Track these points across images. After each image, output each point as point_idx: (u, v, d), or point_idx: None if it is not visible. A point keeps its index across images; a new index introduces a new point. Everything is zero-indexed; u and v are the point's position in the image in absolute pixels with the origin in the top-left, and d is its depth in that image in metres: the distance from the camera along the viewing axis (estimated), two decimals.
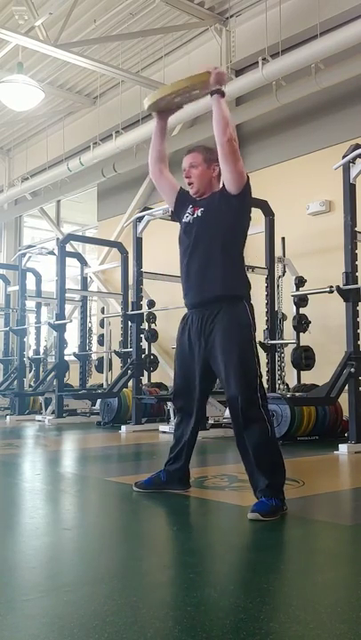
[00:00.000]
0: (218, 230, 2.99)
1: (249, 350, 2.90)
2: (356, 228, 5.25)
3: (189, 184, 3.10)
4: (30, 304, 10.72)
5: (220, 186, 3.07)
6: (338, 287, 5.17)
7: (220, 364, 2.90)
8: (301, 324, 7.07)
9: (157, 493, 3.15)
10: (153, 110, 3.16)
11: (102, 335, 9.26)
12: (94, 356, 10.26)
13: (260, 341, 5.89)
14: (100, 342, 9.39)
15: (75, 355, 9.73)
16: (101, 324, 9.41)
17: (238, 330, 2.90)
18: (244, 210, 3.04)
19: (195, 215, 3.07)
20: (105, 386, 8.82)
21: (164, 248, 9.37)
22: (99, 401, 8.25)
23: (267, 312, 6.76)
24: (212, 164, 3.07)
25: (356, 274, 5.18)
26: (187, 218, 3.11)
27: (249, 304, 2.99)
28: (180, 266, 3.15)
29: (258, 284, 7.11)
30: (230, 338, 2.89)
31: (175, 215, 3.23)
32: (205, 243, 3.00)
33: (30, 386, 9.96)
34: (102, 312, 9.91)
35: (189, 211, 3.11)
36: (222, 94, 2.93)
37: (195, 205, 3.10)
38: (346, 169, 5.22)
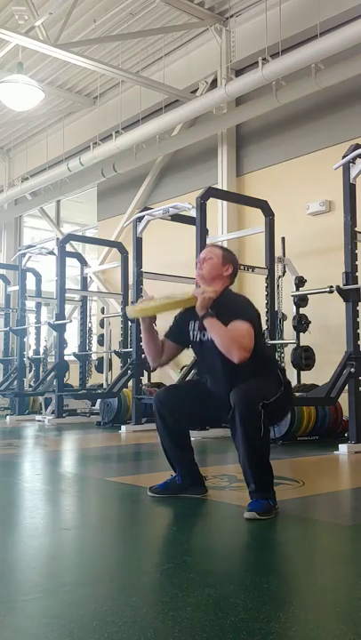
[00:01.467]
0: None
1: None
2: (356, 228, 5.25)
3: (199, 269, 3.06)
4: (30, 304, 10.73)
5: (228, 283, 3.06)
6: (338, 287, 5.17)
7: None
8: (301, 323, 7.07)
9: (157, 494, 3.14)
10: (133, 318, 3.17)
11: (102, 335, 9.26)
12: (94, 356, 10.26)
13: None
14: (100, 342, 9.39)
15: (75, 355, 9.73)
16: (101, 324, 9.41)
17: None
18: (256, 327, 2.94)
19: (207, 335, 2.94)
20: (105, 386, 8.82)
21: (164, 248, 9.43)
22: (99, 401, 8.25)
23: (267, 312, 6.75)
24: (227, 265, 3.07)
25: (356, 274, 5.18)
26: (194, 334, 3.06)
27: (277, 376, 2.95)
28: (202, 374, 3.14)
29: (258, 283, 7.13)
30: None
31: (186, 340, 3.14)
32: (227, 363, 2.84)
33: (30, 386, 9.96)
34: (102, 312, 9.91)
35: (195, 327, 3.04)
36: (211, 316, 2.83)
37: (197, 320, 2.98)
38: (346, 169, 5.22)
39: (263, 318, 6.61)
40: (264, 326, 6.66)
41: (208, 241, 6.44)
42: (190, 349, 3.19)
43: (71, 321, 9.31)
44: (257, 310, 2.98)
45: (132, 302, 7.86)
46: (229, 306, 2.94)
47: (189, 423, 3.17)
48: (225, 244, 8.80)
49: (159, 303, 2.93)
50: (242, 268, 6.96)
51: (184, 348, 3.20)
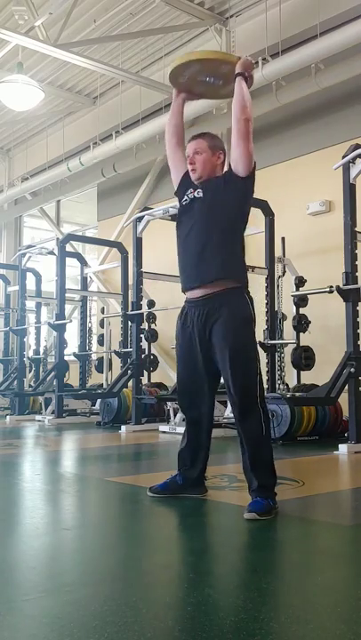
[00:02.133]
0: (218, 211, 2.95)
1: (249, 347, 2.89)
2: (356, 228, 5.25)
3: (192, 170, 3.06)
4: (30, 304, 10.72)
5: (224, 168, 3.06)
6: (338, 287, 5.17)
7: (221, 360, 2.88)
8: (301, 324, 7.07)
9: (157, 494, 3.14)
10: (173, 82, 3.15)
11: (102, 335, 9.26)
12: (94, 356, 10.26)
13: (259, 341, 5.89)
14: (100, 342, 9.39)
15: (75, 355, 9.73)
16: (101, 324, 9.41)
17: (239, 325, 2.88)
18: (248, 194, 3.02)
19: (194, 196, 3.03)
20: (105, 386, 8.82)
21: (163, 248, 9.38)
22: (99, 401, 8.25)
23: (267, 312, 6.76)
24: (217, 152, 3.06)
25: (356, 274, 5.18)
26: (185, 200, 3.08)
27: (249, 296, 2.96)
28: (178, 248, 3.10)
29: (258, 284, 7.12)
30: (230, 333, 2.85)
31: (177, 193, 3.18)
32: (204, 223, 2.96)
33: (30, 386, 9.96)
34: (102, 312, 9.91)
35: (189, 193, 3.07)
36: (246, 79, 2.94)
37: (195, 188, 3.06)
38: (346, 169, 5.22)
39: (263, 318, 6.66)
40: (264, 326, 6.68)
41: None
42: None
43: (71, 321, 9.31)
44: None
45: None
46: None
47: (208, 399, 3.11)
48: None
49: (203, 50, 3.03)
50: None
51: (180, 176, 3.17)
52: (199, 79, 3.11)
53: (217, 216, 2.95)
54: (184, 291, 3.07)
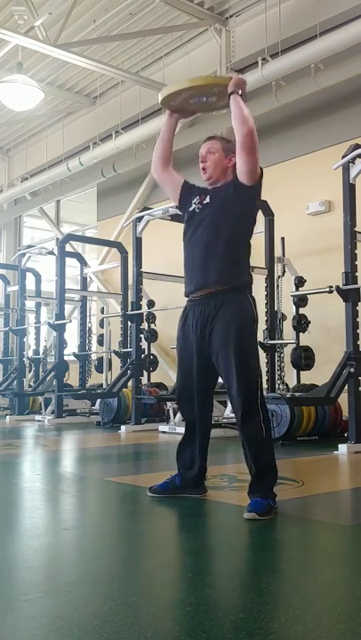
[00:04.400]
0: (225, 217, 2.95)
1: (251, 347, 2.89)
2: (355, 228, 5.24)
3: (203, 169, 3.06)
4: (30, 304, 10.72)
5: (233, 177, 3.04)
6: (338, 287, 5.17)
7: (222, 361, 2.88)
8: (301, 324, 7.07)
9: (157, 494, 3.14)
10: (166, 106, 3.12)
11: (102, 335, 9.26)
12: (94, 356, 10.26)
13: (259, 341, 5.89)
14: (100, 342, 9.39)
15: (74, 355, 9.73)
16: (101, 324, 9.40)
17: (241, 325, 2.87)
18: (254, 202, 3.03)
19: (203, 202, 3.03)
20: (105, 386, 8.82)
21: (163, 248, 9.41)
22: (98, 401, 8.24)
23: (266, 312, 6.76)
24: (230, 155, 3.04)
25: (356, 274, 5.18)
26: (192, 207, 3.08)
27: (252, 297, 2.97)
28: (184, 253, 3.10)
29: (258, 284, 7.12)
30: (232, 333, 2.85)
31: (181, 207, 3.19)
32: (211, 229, 2.96)
33: (30, 386, 9.95)
34: (102, 312, 9.91)
35: (196, 200, 3.07)
36: (241, 95, 2.91)
37: (202, 194, 3.06)
38: (345, 169, 5.22)
39: (263, 318, 6.66)
40: (264, 326, 6.68)
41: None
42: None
43: (71, 321, 9.31)
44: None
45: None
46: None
47: (207, 400, 3.12)
48: None
49: (194, 78, 2.96)
50: None
51: (178, 192, 3.17)
52: (192, 101, 3.08)
53: (224, 223, 2.95)
54: (187, 295, 3.08)
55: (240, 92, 2.91)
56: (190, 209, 3.09)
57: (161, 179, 3.25)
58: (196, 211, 3.05)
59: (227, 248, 2.93)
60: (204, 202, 3.03)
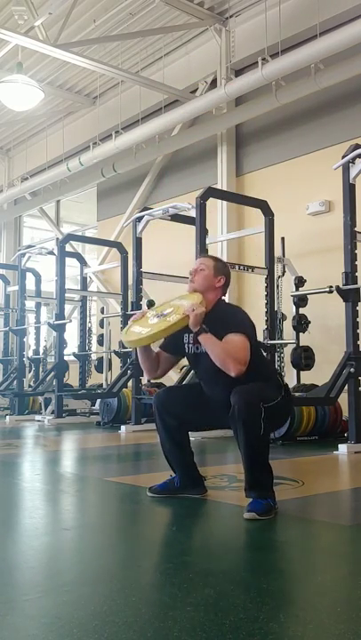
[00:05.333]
0: None
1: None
2: (355, 228, 5.24)
3: (191, 281, 3.05)
4: (30, 304, 10.72)
5: (221, 294, 3.05)
6: (337, 287, 5.16)
7: None
8: (301, 324, 7.07)
9: (156, 494, 3.14)
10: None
11: (102, 335, 9.26)
12: (94, 356, 10.26)
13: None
14: (100, 342, 9.39)
15: (74, 355, 9.73)
16: (101, 324, 9.41)
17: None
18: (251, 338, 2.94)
19: (194, 351, 3.00)
20: (104, 386, 8.82)
21: (163, 248, 9.43)
22: (98, 401, 8.24)
23: (266, 312, 6.75)
24: (219, 276, 3.04)
25: (356, 274, 5.18)
26: (190, 348, 3.05)
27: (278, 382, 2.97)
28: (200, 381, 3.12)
29: (258, 284, 7.13)
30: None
31: (178, 347, 3.12)
32: (214, 373, 2.87)
33: (30, 386, 9.95)
34: (102, 312, 9.91)
35: (190, 340, 3.03)
36: (205, 332, 2.82)
37: (189, 334, 2.99)
38: (345, 169, 5.21)
39: (263, 318, 6.65)
40: (264, 326, 6.67)
41: (208, 241, 6.44)
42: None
43: (71, 321, 9.31)
44: (251, 321, 2.95)
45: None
46: (223, 318, 2.91)
47: (189, 424, 3.17)
48: (225, 244, 8.84)
49: (153, 332, 2.88)
50: (242, 268, 6.97)
51: (178, 358, 3.20)
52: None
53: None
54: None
55: (204, 327, 2.82)
56: (188, 351, 3.07)
57: (161, 376, 3.28)
58: (195, 352, 3.02)
59: (237, 381, 2.82)
60: (196, 351, 2.99)
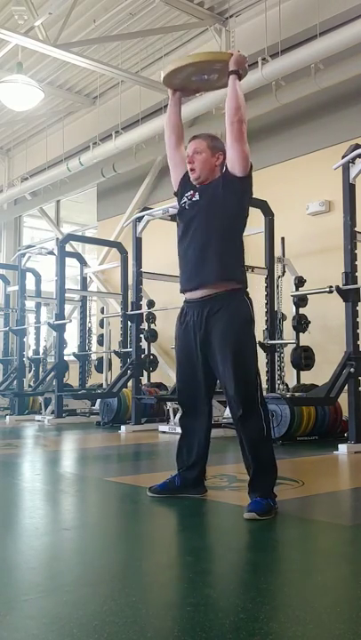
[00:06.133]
0: (217, 214, 2.95)
1: (249, 347, 2.89)
2: (355, 228, 5.24)
3: (191, 170, 3.05)
4: (30, 304, 10.72)
5: (222, 171, 3.04)
6: (337, 287, 5.17)
7: (219, 362, 2.88)
8: (301, 324, 7.07)
9: (156, 494, 3.14)
10: (167, 84, 3.15)
11: (102, 335, 9.26)
12: (94, 356, 10.26)
13: (259, 341, 5.89)
14: (100, 342, 9.39)
15: (74, 355, 9.73)
16: (101, 324, 9.41)
17: (238, 326, 2.88)
18: (246, 194, 3.02)
19: (192, 199, 3.04)
20: (104, 386, 8.82)
21: (163, 248, 9.39)
22: (98, 401, 8.24)
23: (266, 312, 6.75)
24: (217, 153, 3.04)
25: (356, 274, 5.18)
26: (184, 202, 3.08)
27: (249, 298, 2.97)
28: (178, 250, 3.10)
29: (258, 284, 7.12)
30: (230, 335, 2.85)
31: (177, 195, 3.17)
32: (203, 226, 2.96)
33: (30, 386, 9.95)
34: (102, 312, 9.91)
35: (187, 195, 3.07)
36: (239, 76, 2.96)
37: (193, 190, 3.06)
38: (345, 169, 5.22)
39: (263, 318, 6.66)
40: (263, 326, 6.67)
41: None
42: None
43: (71, 321, 9.31)
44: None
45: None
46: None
47: (207, 399, 3.12)
48: None
49: (195, 54, 3.01)
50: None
51: (180, 177, 3.15)
52: (194, 79, 3.12)
53: (215, 219, 2.95)
54: (183, 291, 3.07)
55: (240, 71, 2.96)
56: (182, 203, 3.09)
57: (172, 156, 3.23)
58: (186, 207, 3.06)
59: (220, 248, 2.93)
60: (194, 199, 3.03)
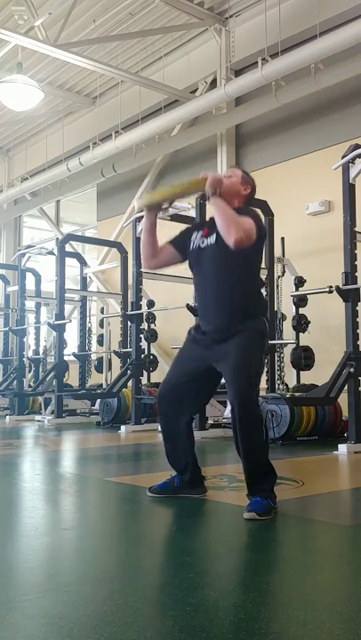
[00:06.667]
0: (233, 258, 2.88)
1: (256, 353, 2.88)
2: (355, 228, 5.25)
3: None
4: (30, 304, 10.72)
5: (244, 204, 3.05)
6: (337, 287, 5.17)
7: (226, 365, 2.87)
8: (301, 324, 7.07)
9: (156, 494, 3.14)
10: (143, 209, 3.09)
11: (102, 335, 9.26)
12: (94, 356, 10.26)
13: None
14: (100, 342, 9.39)
15: (74, 355, 9.73)
16: (101, 324, 9.40)
17: (250, 337, 2.87)
18: (259, 246, 2.99)
19: (207, 241, 3.00)
20: (104, 386, 8.82)
21: None
22: (98, 401, 8.25)
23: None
24: (246, 185, 3.08)
25: (356, 274, 5.18)
26: (195, 243, 3.05)
27: (266, 317, 3.00)
28: (195, 291, 3.11)
29: None
30: (241, 342, 2.85)
31: (186, 256, 3.12)
32: (218, 269, 2.93)
33: (30, 386, 9.95)
34: (102, 312, 9.91)
35: (200, 235, 3.04)
36: (219, 196, 2.86)
37: (205, 228, 3.03)
38: (345, 169, 5.22)
39: None
40: None
41: None
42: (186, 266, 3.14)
43: (71, 321, 9.31)
44: (264, 226, 2.97)
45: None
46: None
47: (192, 407, 3.11)
48: None
49: (170, 186, 2.94)
50: None
51: (180, 258, 3.15)
52: (170, 202, 3.07)
53: (230, 261, 2.89)
54: (204, 332, 3.03)
55: (218, 192, 2.86)
56: (196, 244, 3.06)
57: (157, 266, 3.24)
58: (201, 246, 3.01)
59: (237, 287, 2.90)
60: (209, 241, 2.98)
